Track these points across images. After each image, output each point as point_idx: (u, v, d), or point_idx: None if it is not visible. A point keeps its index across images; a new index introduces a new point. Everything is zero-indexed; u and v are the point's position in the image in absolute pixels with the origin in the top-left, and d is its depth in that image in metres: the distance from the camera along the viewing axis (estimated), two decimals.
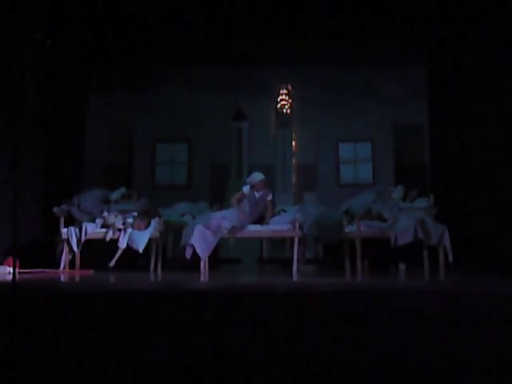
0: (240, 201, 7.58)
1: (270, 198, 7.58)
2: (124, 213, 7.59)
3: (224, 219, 7.24)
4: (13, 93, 6.93)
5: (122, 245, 7.33)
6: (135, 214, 7.57)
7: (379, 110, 9.90)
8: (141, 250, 7.30)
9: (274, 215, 7.60)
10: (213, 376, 3.89)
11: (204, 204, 8.67)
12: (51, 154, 8.68)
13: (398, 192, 7.82)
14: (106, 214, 7.52)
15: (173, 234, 8.08)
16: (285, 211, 7.91)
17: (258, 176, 7.64)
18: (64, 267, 7.35)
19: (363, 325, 4.01)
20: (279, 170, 10.16)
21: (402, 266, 7.32)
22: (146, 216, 7.58)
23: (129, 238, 7.33)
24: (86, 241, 7.37)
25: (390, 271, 7.26)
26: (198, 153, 10.12)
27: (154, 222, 7.47)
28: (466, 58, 8.58)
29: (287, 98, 10.21)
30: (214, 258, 7.96)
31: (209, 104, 9.93)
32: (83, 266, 7.36)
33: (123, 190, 8.07)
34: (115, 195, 7.95)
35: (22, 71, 7.25)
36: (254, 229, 7.49)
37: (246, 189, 7.59)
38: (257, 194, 7.57)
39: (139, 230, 7.39)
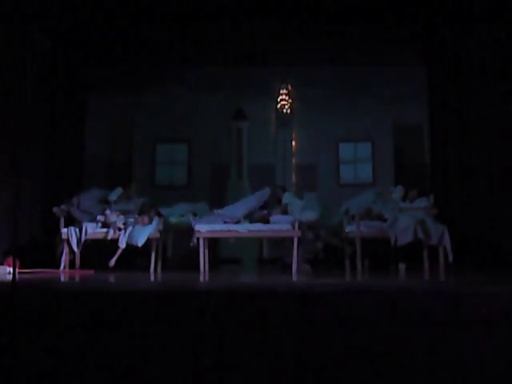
0: None
1: None
2: (125, 213, 7.61)
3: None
4: (13, 93, 6.93)
5: (122, 244, 7.33)
6: (136, 215, 7.58)
7: (379, 109, 9.89)
8: (140, 245, 7.29)
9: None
10: (213, 375, 3.90)
11: (203, 204, 8.66)
12: (51, 155, 8.68)
13: (397, 192, 7.82)
14: (108, 211, 7.52)
15: (173, 233, 8.08)
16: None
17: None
18: (64, 267, 7.36)
19: (363, 325, 4.01)
20: (279, 169, 10.16)
21: (401, 266, 7.32)
22: (148, 212, 7.59)
23: (128, 236, 7.33)
24: (86, 241, 7.37)
25: (390, 271, 7.26)
26: (197, 153, 10.11)
27: (155, 220, 7.49)
28: (466, 58, 8.59)
29: (287, 97, 10.20)
30: (214, 258, 7.97)
31: (208, 104, 9.92)
32: (83, 266, 7.36)
33: (120, 190, 8.07)
34: (113, 196, 7.95)
35: (21, 71, 7.24)
36: (254, 228, 7.50)
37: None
38: None
39: (143, 224, 7.40)
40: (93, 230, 7.44)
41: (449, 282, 5.95)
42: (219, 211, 7.73)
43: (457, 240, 7.23)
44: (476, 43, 8.22)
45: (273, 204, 7.97)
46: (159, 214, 7.73)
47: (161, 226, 7.52)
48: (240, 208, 7.76)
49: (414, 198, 7.70)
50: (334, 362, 3.94)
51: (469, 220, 8.28)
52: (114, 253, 7.36)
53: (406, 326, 4.00)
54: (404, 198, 7.73)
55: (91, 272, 6.94)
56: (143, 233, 7.34)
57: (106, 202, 7.89)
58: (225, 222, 7.57)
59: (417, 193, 7.75)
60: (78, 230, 7.40)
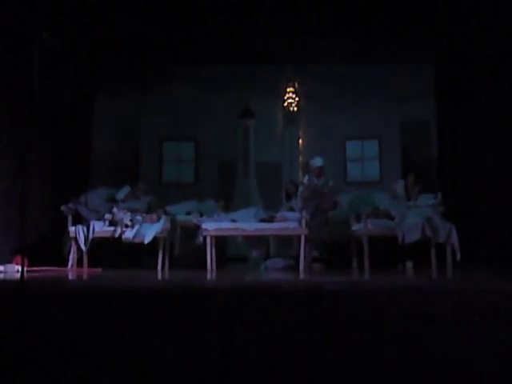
0: None
1: None
2: (132, 211, 7.63)
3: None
4: (20, 93, 6.96)
5: (127, 238, 7.32)
6: (144, 214, 7.61)
7: (386, 107, 9.87)
8: (146, 241, 7.30)
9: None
10: (220, 375, 3.90)
11: (211, 202, 8.68)
12: (59, 153, 8.72)
13: (399, 185, 7.82)
14: (115, 210, 7.55)
15: (180, 232, 8.10)
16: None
17: None
18: (72, 265, 7.39)
19: (370, 323, 4.00)
20: (286, 167, 10.16)
21: (409, 264, 7.31)
22: (156, 211, 7.62)
23: (135, 233, 7.34)
24: (94, 239, 7.40)
25: (398, 269, 7.24)
26: (204, 151, 10.13)
27: (163, 219, 7.51)
28: (474, 55, 8.55)
29: (294, 95, 10.20)
30: (221, 256, 7.99)
31: (215, 102, 9.93)
32: (91, 264, 7.39)
33: (128, 188, 8.09)
34: (121, 195, 7.97)
35: (29, 71, 7.27)
36: (261, 227, 7.51)
37: None
38: None
39: (151, 222, 7.42)
40: (100, 229, 7.46)
41: (457, 280, 5.93)
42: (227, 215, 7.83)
43: (464, 238, 7.21)
44: (484, 40, 8.18)
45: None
46: (166, 213, 7.75)
47: (168, 225, 7.54)
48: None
49: (414, 184, 7.71)
50: (341, 360, 3.94)
51: (477, 217, 8.25)
52: (122, 251, 7.38)
53: (414, 325, 3.99)
54: (406, 187, 7.74)
55: (99, 270, 6.97)
56: (151, 230, 7.36)
57: (113, 201, 7.92)
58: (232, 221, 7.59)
59: (414, 177, 7.77)
60: (85, 228, 7.43)
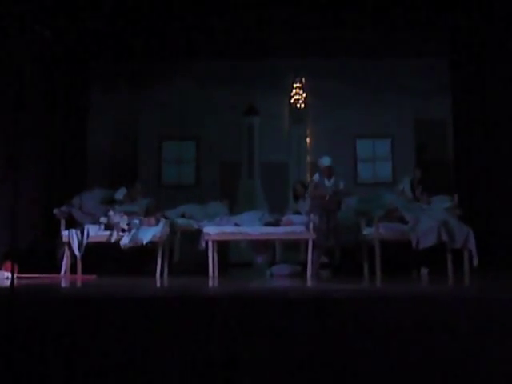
0: None
1: None
2: (129, 214, 7.61)
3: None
4: (12, 90, 6.96)
5: (125, 244, 7.31)
6: (141, 217, 7.60)
7: (399, 104, 9.84)
8: (145, 242, 7.28)
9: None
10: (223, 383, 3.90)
11: (216, 203, 8.67)
12: (53, 154, 8.73)
13: (405, 184, 7.81)
14: (111, 213, 7.52)
15: (180, 236, 8.08)
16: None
17: None
18: (65, 272, 7.38)
19: (381, 334, 3.98)
20: (293, 168, 10.14)
21: (424, 271, 7.27)
22: (154, 214, 7.62)
23: (132, 237, 7.31)
24: (88, 244, 7.38)
25: (412, 276, 7.21)
26: (206, 150, 10.12)
27: (162, 222, 7.51)
28: (491, 50, 8.53)
29: (301, 91, 10.19)
30: (224, 262, 7.97)
31: (218, 99, 9.92)
32: (85, 270, 7.38)
33: (124, 190, 8.07)
34: (118, 196, 7.96)
35: (21, 67, 7.28)
36: (266, 231, 7.48)
37: None
38: None
39: (149, 226, 7.42)
40: (95, 233, 7.44)
41: (474, 287, 5.91)
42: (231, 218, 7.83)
43: (482, 242, 7.16)
44: (501, 35, 8.16)
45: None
46: (165, 217, 7.74)
47: (167, 229, 7.52)
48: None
49: (420, 180, 7.71)
50: (352, 372, 3.92)
51: (495, 221, 8.21)
52: (118, 257, 7.37)
53: (429, 334, 3.97)
54: (412, 184, 7.74)
55: (93, 277, 6.95)
56: (149, 232, 7.34)
57: (108, 203, 7.90)
58: (235, 225, 7.57)
59: (420, 172, 7.76)
60: (79, 232, 7.40)
